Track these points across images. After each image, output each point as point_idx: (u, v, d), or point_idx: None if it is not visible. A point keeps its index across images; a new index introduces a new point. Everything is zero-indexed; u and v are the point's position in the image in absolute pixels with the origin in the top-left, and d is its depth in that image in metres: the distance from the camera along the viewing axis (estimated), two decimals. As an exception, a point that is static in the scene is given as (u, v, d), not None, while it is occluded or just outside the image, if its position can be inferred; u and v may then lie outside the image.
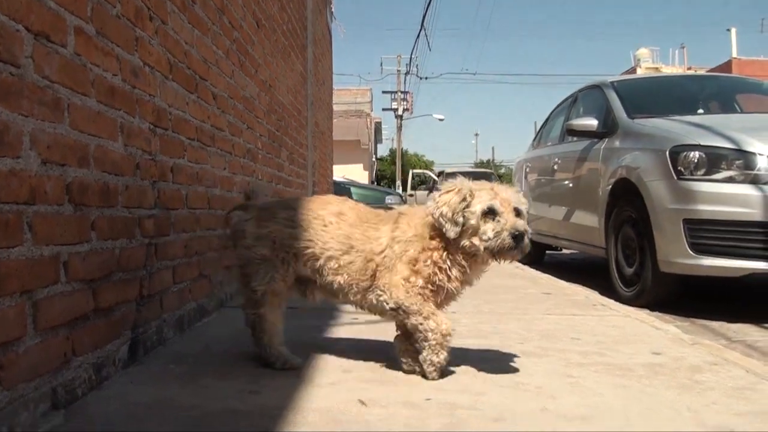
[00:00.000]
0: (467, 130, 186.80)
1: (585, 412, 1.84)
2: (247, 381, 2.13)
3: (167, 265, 2.72)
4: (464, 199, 2.13)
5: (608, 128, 5.84)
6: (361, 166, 30.19)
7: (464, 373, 2.24)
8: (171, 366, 2.32)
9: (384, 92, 40.91)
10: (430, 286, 2.14)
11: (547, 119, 8.52)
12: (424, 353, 2.14)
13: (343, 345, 2.66)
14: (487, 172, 28.27)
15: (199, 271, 3.17)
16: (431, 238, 2.16)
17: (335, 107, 33.13)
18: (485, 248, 2.09)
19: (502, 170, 64.72)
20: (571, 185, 6.58)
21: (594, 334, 2.99)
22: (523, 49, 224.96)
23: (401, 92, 39.58)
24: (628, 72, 45.86)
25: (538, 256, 8.02)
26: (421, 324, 2.12)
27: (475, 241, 2.11)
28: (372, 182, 35.67)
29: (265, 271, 2.24)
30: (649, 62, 47.43)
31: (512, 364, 2.36)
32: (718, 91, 6.81)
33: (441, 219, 2.12)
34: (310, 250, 2.22)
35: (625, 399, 1.98)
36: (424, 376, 2.14)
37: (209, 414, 1.81)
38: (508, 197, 2.15)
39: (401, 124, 39.81)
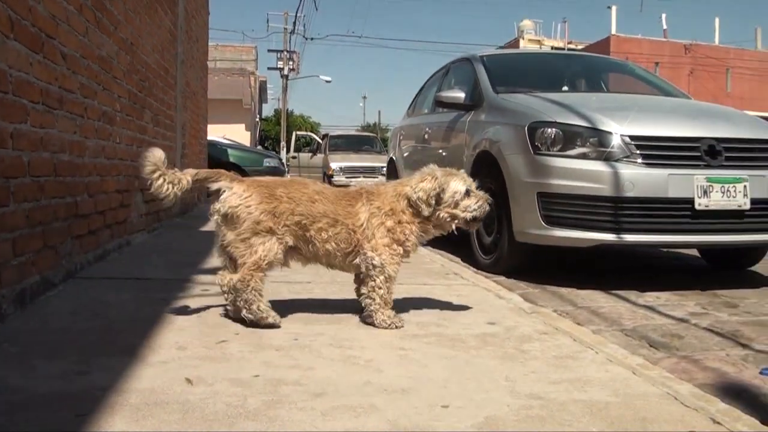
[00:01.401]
0: (355, 93, 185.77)
1: (406, 384, 1.92)
2: (79, 360, 2.09)
3: (5, 238, 2.61)
4: (438, 186, 2.74)
5: (475, 101, 5.98)
6: (243, 126, 29.62)
7: (299, 347, 2.28)
8: (4, 345, 2.24)
9: (270, 51, 40.07)
10: (403, 251, 2.70)
11: (421, 88, 8.63)
12: (374, 309, 2.66)
13: (183, 320, 2.63)
14: (370, 136, 28.37)
15: (43, 242, 3.06)
16: (403, 212, 2.72)
17: (218, 64, 32.41)
18: (471, 218, 2.79)
19: (388, 134, 65.13)
20: (439, 155, 6.71)
21: (437, 304, 3.10)
22: (409, 15, 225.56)
23: (287, 51, 38.96)
24: (510, 44, 46.98)
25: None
26: (380, 288, 2.65)
27: (457, 212, 2.76)
28: (255, 143, 35.13)
29: (272, 243, 2.54)
30: (532, 34, 48.64)
31: (349, 336, 2.43)
32: (585, 70, 7.09)
33: (418, 201, 2.71)
34: (304, 223, 2.60)
35: (448, 370, 2.08)
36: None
37: (33, 397, 1.77)
38: (471, 181, 2.87)
39: (287, 85, 39.26)
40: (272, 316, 2.56)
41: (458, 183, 2.79)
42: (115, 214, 4.45)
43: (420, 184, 2.75)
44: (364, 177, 21.76)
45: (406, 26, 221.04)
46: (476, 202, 2.79)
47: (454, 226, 2.83)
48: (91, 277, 3.47)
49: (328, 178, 22.17)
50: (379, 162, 22.08)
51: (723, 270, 5.50)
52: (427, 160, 7.13)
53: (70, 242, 3.46)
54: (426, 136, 7.17)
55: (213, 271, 3.68)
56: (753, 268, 5.47)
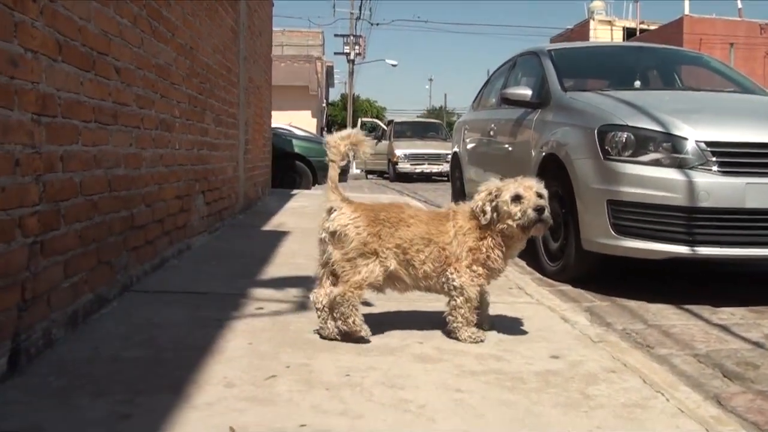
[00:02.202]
0: (421, 76, 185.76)
1: (460, 440, 1.80)
2: (124, 400, 2.02)
3: (57, 261, 2.58)
4: (490, 193, 2.76)
5: (542, 99, 5.78)
6: (309, 113, 29.77)
7: (349, 386, 2.17)
8: (50, 378, 2.19)
9: (336, 35, 40.16)
10: (486, 270, 2.74)
11: (487, 81, 8.43)
12: (456, 327, 2.75)
13: (233, 347, 2.55)
14: (435, 122, 28.14)
15: (97, 259, 3.03)
16: (478, 228, 2.75)
17: (285, 50, 32.61)
18: (517, 225, 2.70)
19: (454, 117, 64.64)
20: (505, 153, 6.53)
21: (499, 328, 2.95)
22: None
23: (354, 36, 38.92)
24: (580, 24, 45.92)
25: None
26: (461, 308, 2.72)
27: (509, 221, 2.71)
28: (322, 129, 35.26)
29: (375, 265, 2.64)
30: (603, 15, 47.45)
31: (403, 372, 2.31)
32: (658, 64, 6.80)
33: (476, 210, 2.76)
34: (404, 246, 2.68)
35: (507, 420, 1.95)
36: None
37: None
38: (530, 184, 2.81)
39: (353, 69, 39.29)
40: (365, 330, 2.66)
41: (509, 190, 2.76)
42: (174, 221, 4.43)
43: (478, 195, 2.81)
44: (428, 164, 21.65)
45: (473, 9, 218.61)
46: (520, 210, 2.71)
47: (520, 235, 2.79)
48: (146, 290, 3.44)
49: (392, 165, 22.09)
50: (444, 149, 21.88)
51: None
52: (492, 157, 7.01)
53: (126, 255, 3.44)
54: (491, 132, 6.99)
55: (271, 283, 3.65)
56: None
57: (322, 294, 2.70)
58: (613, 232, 4.35)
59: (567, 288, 4.71)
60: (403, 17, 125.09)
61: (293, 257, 4.56)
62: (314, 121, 29.92)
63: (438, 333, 2.85)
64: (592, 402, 2.13)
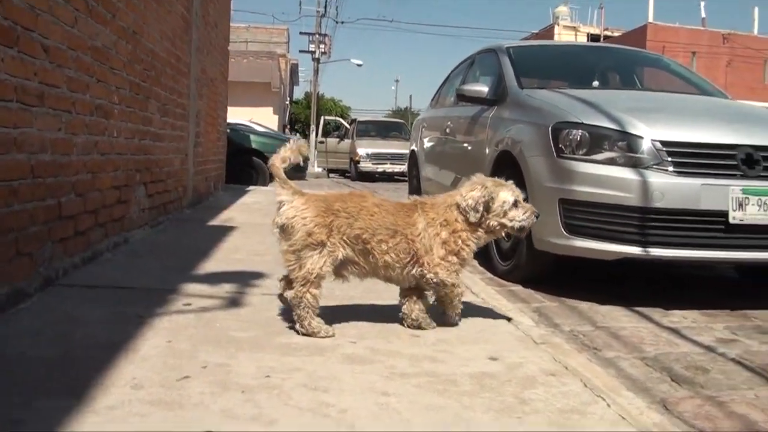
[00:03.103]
0: (387, 77, 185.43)
1: (380, 449, 1.65)
2: (19, 403, 1.83)
3: (-37, 252, 2.39)
4: (484, 195, 2.83)
5: (498, 96, 5.68)
6: (271, 109, 29.40)
7: (267, 389, 2.00)
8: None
9: (302, 33, 39.75)
10: (459, 260, 2.83)
11: (446, 79, 8.32)
12: (449, 312, 2.90)
13: (150, 346, 2.36)
14: (398, 122, 28.00)
15: (16, 250, 2.83)
16: (456, 221, 2.82)
17: (249, 46, 32.14)
18: (519, 227, 2.91)
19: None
20: (460, 151, 6.43)
21: (438, 328, 2.82)
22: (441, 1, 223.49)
23: (319, 34, 38.62)
24: (545, 30, 46.25)
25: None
26: (452, 292, 2.83)
27: (505, 221, 2.87)
28: (284, 127, 34.92)
29: (320, 257, 2.59)
30: (568, 20, 47.85)
31: (329, 374, 2.15)
32: (617, 64, 6.73)
33: (467, 208, 2.81)
34: (364, 236, 2.67)
35: (433, 427, 1.81)
36: (421, 328, 2.81)
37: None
38: (519, 192, 2.95)
39: (318, 68, 38.94)
40: (324, 331, 2.61)
41: (507, 193, 2.90)
42: (110, 212, 4.22)
43: (470, 192, 2.86)
44: (391, 164, 21.54)
45: (440, 11, 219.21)
46: (524, 213, 2.90)
47: (503, 233, 3.00)
48: (72, 284, 3.24)
49: (354, 164, 21.93)
50: (407, 149, 21.72)
51: (757, 284, 5.15)
52: (448, 155, 6.89)
53: (51, 247, 3.23)
54: (448, 130, 6.88)
55: (204, 278, 3.46)
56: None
57: (282, 285, 2.78)
58: (564, 232, 4.25)
59: (517, 288, 4.60)
60: (369, 16, 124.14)
61: (234, 253, 4.38)
62: (276, 118, 29.59)
63: (374, 331, 2.71)
64: (527, 407, 1.99)
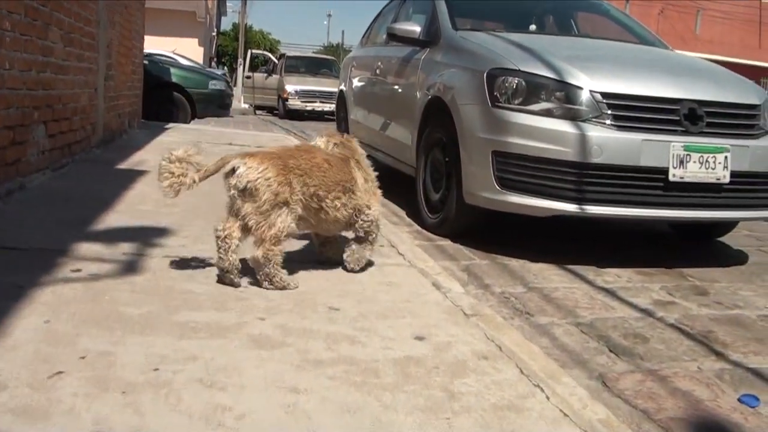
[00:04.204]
0: (319, 10, 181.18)
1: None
2: None
3: None
4: None
5: (431, 38, 5.36)
6: (196, 41, 28.22)
7: (154, 388, 1.67)
8: None
9: (229, -38, 38.08)
10: None
11: (378, 15, 7.93)
12: (365, 248, 2.98)
13: (24, 327, 2.00)
14: (329, 59, 27.30)
15: None
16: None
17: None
18: None
19: (350, 55, 63.22)
20: (390, 95, 6.11)
21: (361, 299, 2.54)
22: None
23: (248, -37, 37.15)
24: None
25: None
26: (376, 231, 2.97)
27: None
28: (211, 59, 33.75)
29: (286, 215, 2.57)
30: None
31: (230, 363, 1.85)
32: (555, 8, 6.45)
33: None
34: (319, 193, 2.69)
35: (347, 436, 1.54)
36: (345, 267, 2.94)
37: None
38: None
39: (246, -2, 37.58)
40: (293, 282, 2.64)
41: None
42: (2, 155, 3.78)
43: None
44: (321, 102, 21.02)
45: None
46: None
47: None
48: None
49: (282, 101, 21.32)
50: (337, 87, 21.24)
51: (690, 240, 5.05)
52: (378, 98, 6.55)
53: None
54: (378, 71, 6.54)
55: (101, 235, 3.11)
56: (721, 239, 5.04)
57: (228, 227, 2.59)
58: (497, 186, 4.02)
59: (446, 243, 4.38)
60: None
61: (141, 202, 4.00)
62: (201, 50, 28.47)
63: (288, 303, 2.42)
64: (456, 404, 1.74)
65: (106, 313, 2.16)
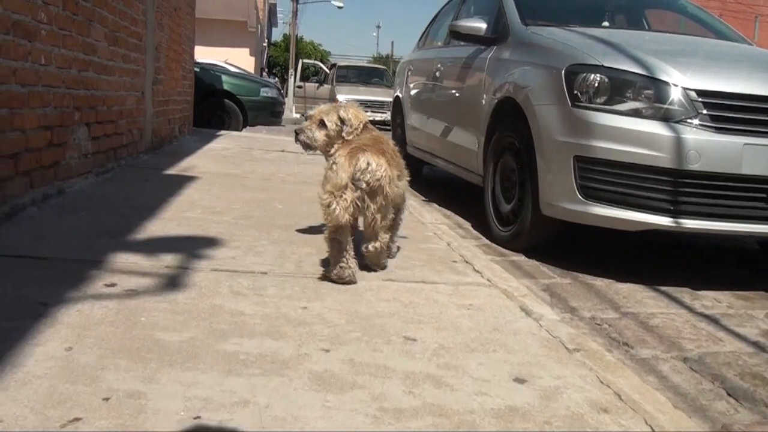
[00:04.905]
0: (368, 21, 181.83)
1: None
2: None
3: None
4: None
5: (498, 34, 4.95)
6: (247, 50, 28.19)
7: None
8: None
9: (281, -27, 38.11)
10: None
11: (435, 17, 7.56)
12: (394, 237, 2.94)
13: (43, 358, 1.65)
14: (380, 68, 27.04)
15: None
16: None
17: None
18: None
19: (400, 66, 63.12)
20: (452, 98, 5.71)
21: (440, 326, 2.14)
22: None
23: (299, -27, 37.15)
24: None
25: (415, 171, 7.18)
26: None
27: None
28: (261, 69, 33.77)
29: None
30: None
31: (291, 410, 1.47)
32: (627, 3, 6.00)
33: None
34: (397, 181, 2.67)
35: None
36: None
37: None
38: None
39: (297, 9, 37.57)
40: None
41: None
42: (37, 158, 3.48)
43: None
44: (372, 111, 20.69)
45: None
46: None
47: None
48: None
49: (333, 110, 21.07)
50: (389, 97, 20.86)
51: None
52: (437, 102, 6.15)
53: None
54: (438, 74, 6.15)
55: (142, 245, 2.76)
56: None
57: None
58: (580, 196, 3.60)
59: (520, 259, 3.96)
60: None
61: (188, 209, 3.66)
62: (252, 60, 28.43)
63: (356, 332, 2.03)
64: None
65: (140, 339, 1.79)
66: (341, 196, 2.43)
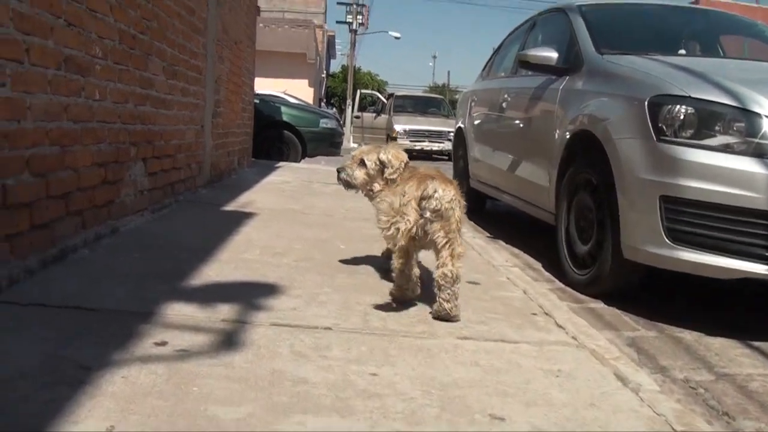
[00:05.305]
0: (425, 52, 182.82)
1: None
2: None
3: None
4: None
5: (570, 64, 4.69)
6: (306, 82, 28.39)
7: None
8: None
9: (339, 3, 38.37)
10: None
11: (499, 46, 7.32)
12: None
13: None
14: (438, 98, 26.91)
15: None
16: None
17: (285, 15, 31.16)
18: None
19: (457, 95, 63.10)
20: (520, 129, 5.45)
21: (528, 400, 1.87)
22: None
23: (357, 4, 37.44)
24: (592, 3, 44.50)
25: (478, 206, 6.94)
26: None
27: None
28: (320, 100, 33.98)
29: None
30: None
31: None
32: (703, 29, 5.67)
33: None
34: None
35: None
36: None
37: None
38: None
39: (355, 40, 37.80)
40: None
41: None
42: (90, 196, 3.35)
43: None
44: (429, 141, 20.56)
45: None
46: None
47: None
48: (14, 301, 2.33)
49: (391, 140, 20.94)
50: (447, 126, 20.72)
51: None
52: (504, 134, 5.89)
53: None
54: (504, 104, 5.89)
55: (197, 293, 2.55)
56: None
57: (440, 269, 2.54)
58: (667, 240, 3.30)
59: (599, 306, 3.66)
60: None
61: (246, 250, 3.47)
62: (311, 91, 28.60)
63: (433, 409, 1.76)
64: None
65: (191, 415, 1.57)
66: (403, 217, 2.45)
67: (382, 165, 2.94)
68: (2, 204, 2.47)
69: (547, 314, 2.80)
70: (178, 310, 2.36)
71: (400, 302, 2.66)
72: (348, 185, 3.06)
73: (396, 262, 2.57)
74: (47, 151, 2.81)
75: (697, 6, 6.43)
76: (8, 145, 2.48)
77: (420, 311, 2.64)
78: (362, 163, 2.99)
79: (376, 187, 2.96)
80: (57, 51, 2.84)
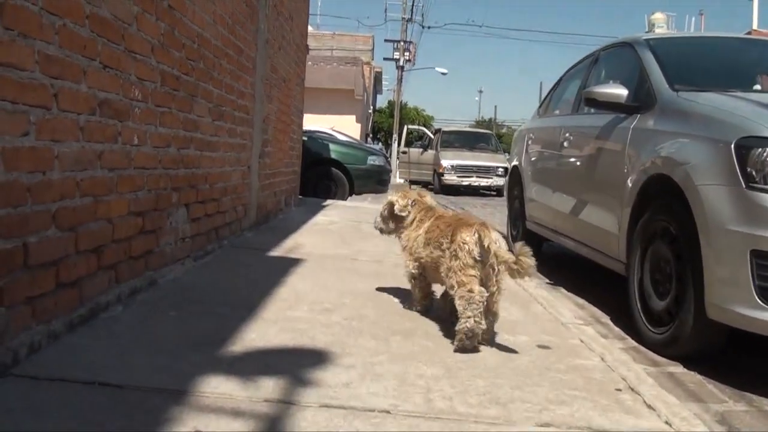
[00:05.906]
0: (471, 86, 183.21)
1: None
2: None
3: None
4: None
5: (641, 101, 4.35)
6: (353, 117, 28.32)
7: None
8: None
9: (386, 41, 38.41)
10: None
11: (557, 83, 7.00)
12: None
13: None
14: (486, 133, 26.62)
15: None
16: None
17: (334, 53, 31.33)
18: None
19: (504, 130, 62.84)
20: (584, 170, 5.11)
21: None
22: (533, 3, 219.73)
23: (404, 42, 37.48)
24: (642, 37, 43.90)
25: (535, 248, 6.56)
26: None
27: None
28: (367, 135, 33.93)
29: None
30: (664, 28, 45.19)
31: None
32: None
33: None
34: None
35: None
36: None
37: None
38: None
39: (402, 76, 37.76)
40: None
41: None
42: (126, 248, 3.10)
43: None
44: (477, 177, 20.26)
45: (528, 16, 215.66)
46: None
47: None
48: (31, 375, 2.08)
49: (438, 176, 20.70)
50: (495, 162, 20.40)
51: None
52: (566, 175, 5.54)
53: (5, 315, 2.11)
54: (565, 143, 5.57)
55: (237, 363, 2.27)
56: None
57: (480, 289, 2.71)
58: (759, 300, 2.93)
59: (679, 370, 3.29)
60: (457, 20, 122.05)
61: (294, 306, 3.19)
62: (359, 126, 28.54)
63: None
64: None
65: None
66: (473, 277, 2.71)
67: (391, 206, 3.28)
68: (23, 264, 2.22)
69: (632, 389, 2.44)
70: (216, 387, 2.08)
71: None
72: (381, 231, 3.48)
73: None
74: (77, 203, 2.58)
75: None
76: (31, 199, 2.24)
77: (488, 385, 2.32)
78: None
79: (391, 226, 3.36)
80: (90, 95, 2.62)
